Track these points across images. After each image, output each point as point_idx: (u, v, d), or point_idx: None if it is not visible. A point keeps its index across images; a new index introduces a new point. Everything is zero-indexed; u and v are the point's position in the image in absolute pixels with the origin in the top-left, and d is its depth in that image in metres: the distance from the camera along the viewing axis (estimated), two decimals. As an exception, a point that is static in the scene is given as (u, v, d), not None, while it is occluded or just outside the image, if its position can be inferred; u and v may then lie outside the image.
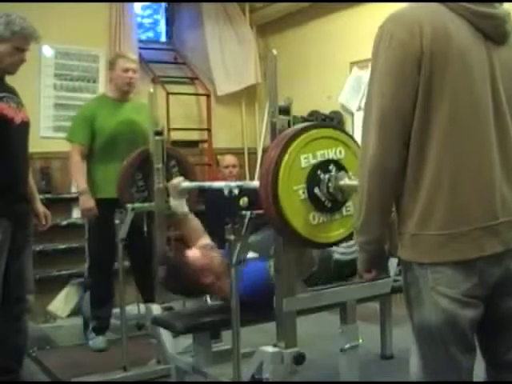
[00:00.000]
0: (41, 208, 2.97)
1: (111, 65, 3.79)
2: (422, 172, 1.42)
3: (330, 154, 1.99)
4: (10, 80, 4.51)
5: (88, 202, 3.59)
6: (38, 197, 3.01)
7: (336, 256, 2.56)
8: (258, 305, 2.16)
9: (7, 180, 2.63)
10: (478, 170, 1.42)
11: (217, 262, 2.53)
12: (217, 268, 2.51)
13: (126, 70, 3.68)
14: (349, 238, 2.09)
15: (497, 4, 1.48)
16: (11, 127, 2.65)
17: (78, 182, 3.70)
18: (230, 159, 4.63)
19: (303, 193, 1.94)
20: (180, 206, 2.92)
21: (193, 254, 2.60)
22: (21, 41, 2.70)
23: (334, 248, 2.54)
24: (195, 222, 2.96)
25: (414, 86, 1.40)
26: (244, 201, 2.19)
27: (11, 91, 2.76)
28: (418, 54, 1.39)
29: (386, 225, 1.52)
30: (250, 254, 2.58)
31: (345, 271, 2.39)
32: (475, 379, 1.63)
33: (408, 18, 1.45)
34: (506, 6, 1.51)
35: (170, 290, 2.68)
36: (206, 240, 2.92)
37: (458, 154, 1.41)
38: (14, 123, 2.66)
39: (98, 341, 3.69)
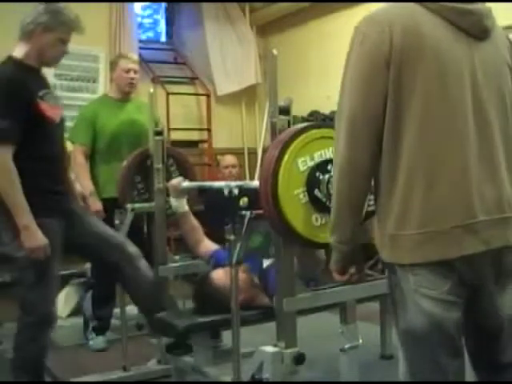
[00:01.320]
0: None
1: (112, 65, 3.80)
2: (397, 171, 1.42)
3: (328, 153, 1.99)
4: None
5: (95, 204, 3.59)
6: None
7: None
8: None
9: (49, 182, 2.55)
10: (454, 168, 1.40)
11: (242, 279, 2.51)
12: (244, 285, 2.49)
13: (128, 71, 3.69)
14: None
15: (475, 1, 1.47)
16: (52, 128, 2.55)
17: (83, 185, 3.67)
18: (229, 159, 4.63)
19: (304, 196, 1.94)
20: (180, 205, 2.92)
21: (218, 276, 2.59)
22: (67, 32, 2.54)
23: None
24: (195, 222, 2.96)
25: (383, 86, 1.40)
26: (244, 201, 2.19)
27: (48, 85, 2.64)
28: (387, 52, 1.39)
29: (357, 224, 1.51)
30: (267, 261, 2.60)
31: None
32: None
33: (380, 18, 1.45)
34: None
35: (210, 314, 2.62)
36: (209, 244, 2.92)
37: (433, 152, 1.40)
38: (54, 123, 2.55)
39: (98, 341, 3.69)
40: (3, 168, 2.37)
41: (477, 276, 1.44)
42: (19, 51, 2.51)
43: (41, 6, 2.49)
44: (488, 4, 1.50)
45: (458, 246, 1.40)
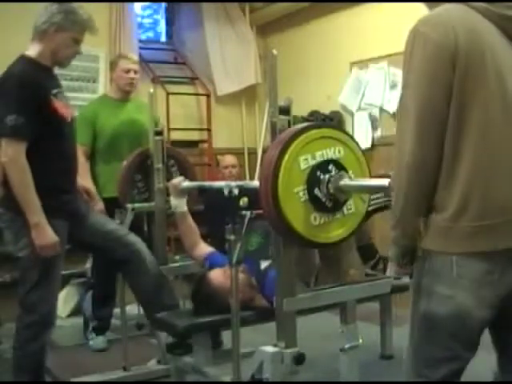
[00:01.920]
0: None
1: (112, 65, 3.81)
2: (457, 168, 1.46)
3: (329, 153, 1.99)
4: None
5: (97, 204, 3.57)
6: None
7: None
8: None
9: (62, 180, 2.58)
10: (510, 168, 1.47)
11: (241, 279, 2.50)
12: (242, 285, 2.48)
13: (127, 71, 3.71)
14: (348, 237, 2.09)
15: None
16: (65, 126, 2.57)
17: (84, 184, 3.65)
18: (229, 159, 4.63)
19: (303, 194, 1.94)
20: (180, 205, 2.93)
21: (215, 276, 2.59)
22: (80, 32, 2.55)
23: None
24: (192, 223, 2.97)
25: (449, 86, 1.44)
26: (244, 201, 2.19)
27: (60, 85, 2.64)
28: (453, 54, 1.43)
29: (420, 220, 1.55)
30: (264, 263, 2.60)
31: None
32: (479, 378, 1.64)
33: (440, 20, 1.48)
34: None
35: (204, 315, 2.60)
36: (205, 247, 2.93)
37: (492, 151, 1.46)
38: (66, 121, 2.58)
39: (98, 341, 3.70)
40: (17, 164, 2.39)
41: None
42: (32, 50, 2.52)
43: (54, 6, 2.50)
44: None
45: (508, 238, 1.46)
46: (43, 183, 2.44)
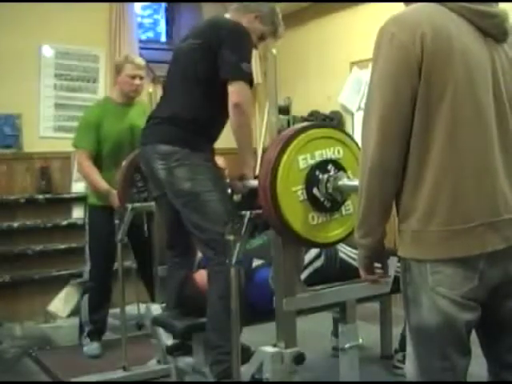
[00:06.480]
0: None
1: (118, 68, 3.67)
2: (425, 170, 1.43)
3: (329, 153, 1.99)
4: (9, 79, 4.50)
5: (115, 200, 3.45)
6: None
7: (342, 255, 2.57)
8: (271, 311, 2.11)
9: None
10: (481, 168, 1.43)
11: None
12: None
13: (133, 77, 3.59)
14: (347, 237, 2.09)
15: (493, 3, 1.49)
16: None
17: (98, 185, 3.56)
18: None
19: (302, 194, 1.94)
20: None
21: (199, 278, 2.57)
22: (270, 32, 2.83)
23: (341, 248, 2.54)
24: None
25: (414, 88, 1.41)
26: (237, 196, 2.19)
27: None
28: (419, 56, 1.40)
29: (385, 223, 1.52)
30: (257, 262, 2.59)
31: (350, 274, 2.37)
32: (475, 379, 1.64)
33: (409, 20, 1.45)
34: (503, 4, 1.52)
35: (192, 315, 2.58)
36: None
37: (461, 153, 1.42)
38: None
39: (92, 347, 3.62)
40: (249, 107, 2.47)
41: (499, 277, 1.46)
42: (233, 17, 2.68)
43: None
44: (502, 6, 1.52)
45: (480, 244, 1.42)
46: None
